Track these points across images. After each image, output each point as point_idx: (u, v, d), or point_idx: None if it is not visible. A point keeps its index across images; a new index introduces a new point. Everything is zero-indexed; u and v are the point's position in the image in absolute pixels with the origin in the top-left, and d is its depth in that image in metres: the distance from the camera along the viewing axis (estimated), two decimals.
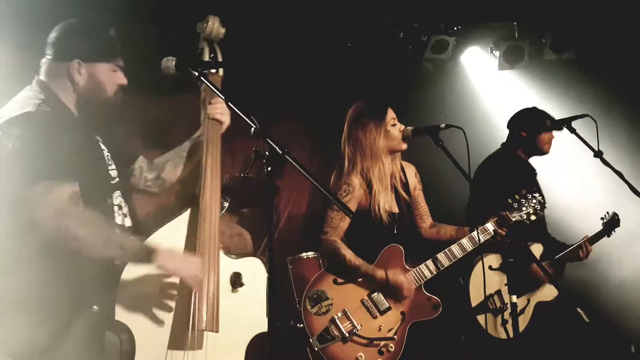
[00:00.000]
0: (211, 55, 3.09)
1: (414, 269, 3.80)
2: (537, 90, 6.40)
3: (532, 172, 4.82)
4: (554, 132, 4.71)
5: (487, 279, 4.07)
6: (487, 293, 4.22)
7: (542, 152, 4.77)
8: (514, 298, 3.38)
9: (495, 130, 5.40)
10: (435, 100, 6.41)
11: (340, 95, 4.56)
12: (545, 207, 4.05)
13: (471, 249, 3.84)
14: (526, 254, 4.01)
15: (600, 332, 4.33)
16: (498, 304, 4.25)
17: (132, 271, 2.63)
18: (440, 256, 3.83)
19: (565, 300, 4.29)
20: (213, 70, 3.05)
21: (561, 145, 4.82)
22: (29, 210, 2.38)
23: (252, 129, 2.49)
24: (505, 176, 4.48)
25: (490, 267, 4.31)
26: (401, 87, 6.15)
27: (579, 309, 3.78)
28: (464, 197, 4.63)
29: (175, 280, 2.68)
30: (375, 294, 3.76)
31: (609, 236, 4.69)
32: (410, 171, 4.12)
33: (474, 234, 3.84)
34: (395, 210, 3.94)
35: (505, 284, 4.25)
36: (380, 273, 3.75)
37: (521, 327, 3.74)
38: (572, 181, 6.07)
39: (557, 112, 4.83)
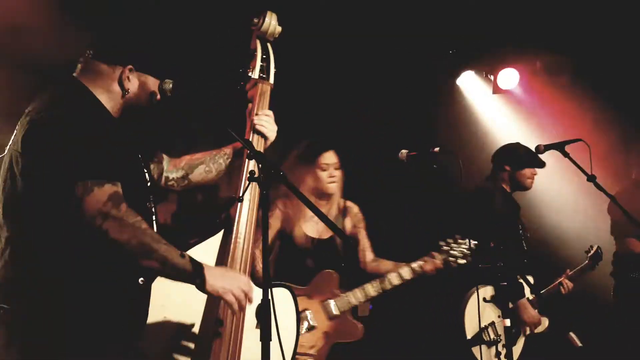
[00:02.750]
0: (263, 57, 2.95)
1: (342, 295, 3.97)
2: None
3: (516, 206, 4.83)
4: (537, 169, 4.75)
5: (481, 311, 4.16)
6: (482, 325, 4.31)
7: (524, 187, 4.78)
8: (508, 322, 3.40)
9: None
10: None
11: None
12: (473, 254, 4.09)
13: (398, 283, 4.03)
14: (516, 287, 4.07)
15: None
16: (492, 335, 4.31)
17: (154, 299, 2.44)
18: (367, 286, 4.01)
19: (557, 328, 4.32)
20: (263, 75, 2.91)
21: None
22: (68, 212, 2.21)
23: (247, 152, 2.48)
24: (489, 210, 4.49)
25: (484, 299, 4.37)
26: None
27: (571, 334, 3.78)
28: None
29: (197, 315, 2.51)
30: (303, 313, 3.87)
31: (593, 269, 4.74)
32: (352, 209, 4.33)
33: (400, 270, 4.05)
34: (325, 236, 4.11)
35: (499, 316, 4.34)
36: None
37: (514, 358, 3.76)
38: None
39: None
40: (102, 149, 2.30)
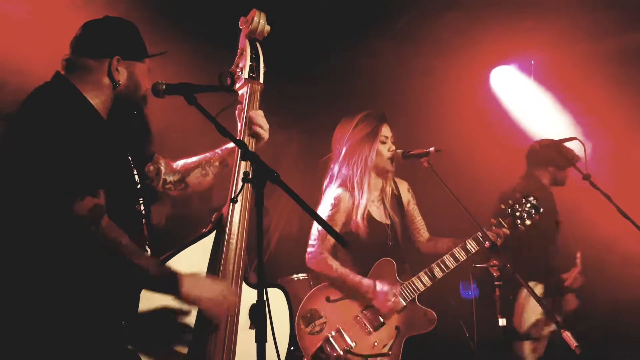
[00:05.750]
0: (252, 57, 2.91)
1: (407, 282, 3.76)
2: None
3: (553, 202, 4.83)
4: None
5: (530, 307, 4.23)
6: (530, 321, 4.38)
7: (563, 183, 4.84)
8: (503, 321, 3.43)
9: None
10: None
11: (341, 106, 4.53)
12: (541, 211, 3.95)
13: (464, 259, 3.78)
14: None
15: None
16: (540, 331, 4.40)
17: (146, 303, 2.44)
18: (434, 267, 3.76)
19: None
20: (253, 75, 2.87)
21: None
22: (52, 225, 2.20)
23: (241, 152, 2.45)
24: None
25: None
26: None
27: (567, 333, 3.77)
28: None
29: (192, 314, 2.51)
30: (369, 309, 3.73)
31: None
32: (403, 186, 4.13)
33: (467, 243, 3.80)
34: (387, 222, 3.95)
35: (541, 314, 4.40)
36: (367, 282, 3.72)
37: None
38: None
39: None
40: (85, 157, 2.25)
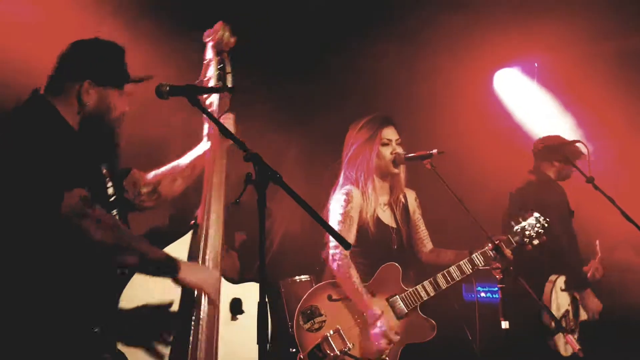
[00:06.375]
0: (219, 67, 3.01)
1: (411, 290, 3.76)
2: None
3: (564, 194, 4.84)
4: None
5: (558, 300, 4.30)
6: (560, 313, 4.40)
7: (568, 177, 4.83)
8: (506, 324, 3.42)
9: None
10: None
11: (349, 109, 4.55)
12: (547, 226, 3.97)
13: (469, 272, 3.79)
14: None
15: None
16: (570, 323, 4.44)
17: (131, 298, 2.53)
18: (439, 278, 3.77)
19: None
20: (220, 83, 2.99)
21: None
22: (41, 219, 2.35)
23: (244, 154, 2.47)
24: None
25: (560, 289, 4.48)
26: None
27: (569, 336, 3.76)
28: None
29: (174, 307, 2.60)
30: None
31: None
32: (411, 195, 4.13)
33: (474, 256, 3.80)
34: (394, 225, 3.95)
35: (569, 305, 4.51)
36: (372, 312, 3.66)
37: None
38: None
39: None
40: (66, 159, 2.42)
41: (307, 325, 3.66)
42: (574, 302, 4.58)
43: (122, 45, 2.74)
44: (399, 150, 3.93)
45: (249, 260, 4.79)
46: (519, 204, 4.44)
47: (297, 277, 4.74)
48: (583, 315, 4.63)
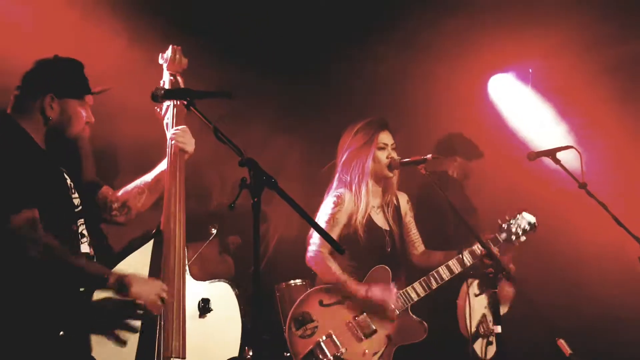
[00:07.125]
0: (174, 86, 3.15)
1: (401, 291, 3.80)
2: None
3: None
4: None
5: (473, 305, 4.15)
6: (476, 319, 4.28)
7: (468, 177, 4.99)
8: (498, 329, 3.42)
9: None
10: None
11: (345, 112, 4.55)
12: (536, 228, 4.05)
13: (459, 271, 3.86)
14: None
15: None
16: (486, 329, 4.29)
17: (99, 298, 2.66)
18: (429, 278, 3.83)
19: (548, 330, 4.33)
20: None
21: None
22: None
23: (239, 159, 2.49)
24: None
25: (475, 294, 4.33)
26: None
27: (561, 340, 3.78)
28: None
29: (140, 307, 2.72)
30: (362, 316, 3.76)
31: None
32: (403, 198, 4.17)
33: (462, 255, 3.85)
34: (387, 228, 3.98)
35: (485, 307, 4.34)
36: (362, 289, 3.75)
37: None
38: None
39: None
40: (20, 178, 2.56)
41: (299, 332, 3.68)
42: (492, 298, 4.12)
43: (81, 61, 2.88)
44: (394, 155, 3.96)
45: (244, 264, 4.79)
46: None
47: (292, 281, 4.75)
48: (504, 309, 4.50)
